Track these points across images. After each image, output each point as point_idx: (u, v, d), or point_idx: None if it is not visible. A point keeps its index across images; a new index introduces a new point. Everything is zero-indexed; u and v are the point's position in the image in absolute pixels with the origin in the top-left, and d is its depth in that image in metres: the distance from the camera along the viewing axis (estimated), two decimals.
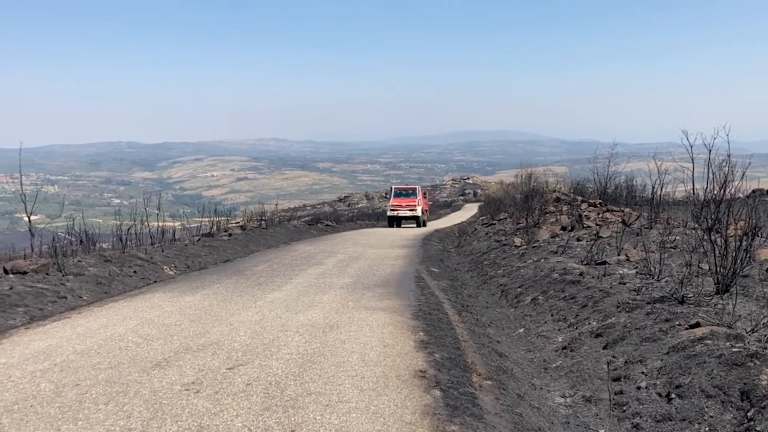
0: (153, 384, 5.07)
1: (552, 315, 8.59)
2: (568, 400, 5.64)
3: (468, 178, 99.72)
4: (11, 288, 8.76)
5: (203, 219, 20.73)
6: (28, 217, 11.84)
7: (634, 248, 11.16)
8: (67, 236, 13.44)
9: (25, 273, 9.77)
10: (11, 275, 9.69)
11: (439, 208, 59.52)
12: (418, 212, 36.53)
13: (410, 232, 29.51)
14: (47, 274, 9.97)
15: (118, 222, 14.19)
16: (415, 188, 39.12)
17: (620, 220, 15.42)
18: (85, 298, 9.37)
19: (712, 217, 8.92)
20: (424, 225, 36.74)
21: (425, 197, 40.60)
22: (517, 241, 16.16)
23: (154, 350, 6.18)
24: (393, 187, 40.26)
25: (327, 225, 30.50)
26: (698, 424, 4.47)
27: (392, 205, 37.01)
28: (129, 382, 5.13)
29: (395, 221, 36.84)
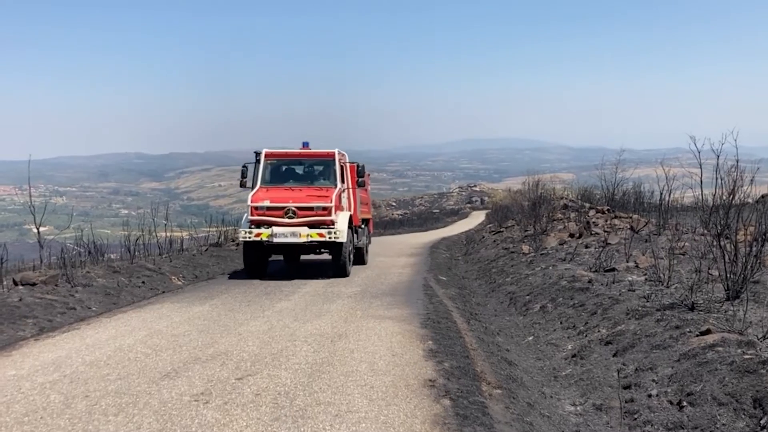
0: (162, 395, 5.07)
1: (561, 323, 8.56)
2: (578, 408, 5.60)
3: (475, 186, 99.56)
4: (21, 299, 8.79)
5: (211, 229, 20.79)
6: (37, 229, 11.89)
7: (643, 255, 11.12)
8: (75, 247, 13.49)
9: (34, 284, 9.80)
10: (20, 287, 9.73)
11: (446, 216, 59.46)
12: (339, 229, 13.12)
13: (416, 240, 29.48)
14: (56, 285, 10.00)
15: (127, 233, 14.27)
16: (331, 157, 14.49)
17: (628, 227, 15.36)
18: (93, 309, 9.40)
19: (721, 222, 8.87)
20: (360, 261, 15.85)
21: (359, 184, 15.32)
22: (525, 248, 16.12)
23: (163, 361, 6.19)
24: (264, 152, 14.40)
25: None
26: None
27: (257, 211, 13.16)
28: (138, 393, 5.14)
29: (265, 257, 13.76)
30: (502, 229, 25.05)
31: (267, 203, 12.98)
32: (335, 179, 13.98)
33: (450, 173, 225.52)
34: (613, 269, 10.45)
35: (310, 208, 12.95)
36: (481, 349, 7.13)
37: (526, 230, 19.74)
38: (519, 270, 13.71)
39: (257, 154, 14.26)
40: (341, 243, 13.04)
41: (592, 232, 15.68)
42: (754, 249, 7.43)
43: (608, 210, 19.30)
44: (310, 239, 12.77)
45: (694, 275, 8.16)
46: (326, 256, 14.12)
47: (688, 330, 6.21)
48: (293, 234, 12.74)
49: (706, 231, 10.05)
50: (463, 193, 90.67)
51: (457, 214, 62.55)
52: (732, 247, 7.66)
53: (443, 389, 5.22)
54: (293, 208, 12.88)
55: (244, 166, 14.31)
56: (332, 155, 14.32)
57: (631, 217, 17.14)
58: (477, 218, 51.15)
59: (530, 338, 8.42)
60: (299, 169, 14.68)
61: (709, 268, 8.47)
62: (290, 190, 13.60)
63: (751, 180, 9.16)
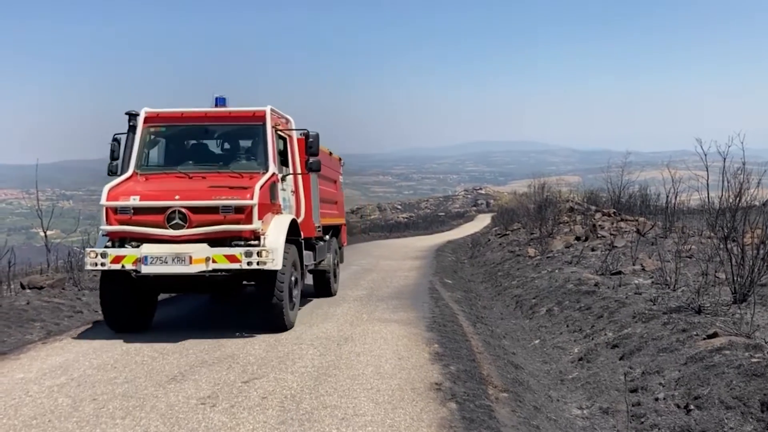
0: (169, 398, 5.09)
1: (567, 326, 8.54)
2: (585, 411, 5.59)
3: (480, 189, 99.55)
4: (28, 303, 8.84)
5: None
6: (44, 233, 11.96)
7: (649, 258, 11.09)
8: (82, 251, 13.54)
9: (41, 288, 9.86)
10: (28, 290, 9.79)
11: (451, 219, 59.42)
12: (270, 246, 7.48)
13: (422, 243, 29.47)
14: (63, 288, 10.06)
15: None
16: (259, 121, 8.51)
17: (635, 230, 15.32)
18: (100, 312, 9.42)
19: (728, 225, 8.84)
20: (324, 291, 11.00)
21: (310, 168, 8.96)
22: (531, 251, 16.10)
23: (170, 364, 6.21)
24: (143, 114, 8.58)
25: None
26: None
27: (118, 215, 7.45)
28: (145, 396, 5.16)
29: (144, 299, 8.00)
30: (507, 232, 25.03)
31: (134, 201, 7.44)
32: (266, 158, 8.27)
33: (455, 176, 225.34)
34: (620, 272, 10.42)
35: (213, 209, 7.39)
36: (488, 352, 7.13)
37: (532, 233, 19.72)
38: (525, 273, 13.69)
39: (132, 117, 8.64)
40: (273, 272, 7.49)
41: (599, 235, 15.65)
42: (761, 252, 7.41)
43: (614, 213, 19.27)
44: (211, 266, 7.19)
45: (700, 278, 8.13)
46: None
47: (695, 333, 6.20)
48: (178, 257, 7.13)
49: (712, 234, 10.01)
50: (469, 196, 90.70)
51: (463, 217, 62.53)
52: (739, 250, 7.64)
53: (449, 392, 5.22)
54: (181, 210, 7.31)
55: (114, 140, 8.61)
56: (261, 117, 8.49)
57: (637, 220, 17.10)
58: (482, 221, 51.14)
59: (536, 341, 8.41)
60: (205, 143, 9.01)
61: (715, 272, 8.44)
62: (183, 178, 8.02)
63: (758, 182, 9.14)
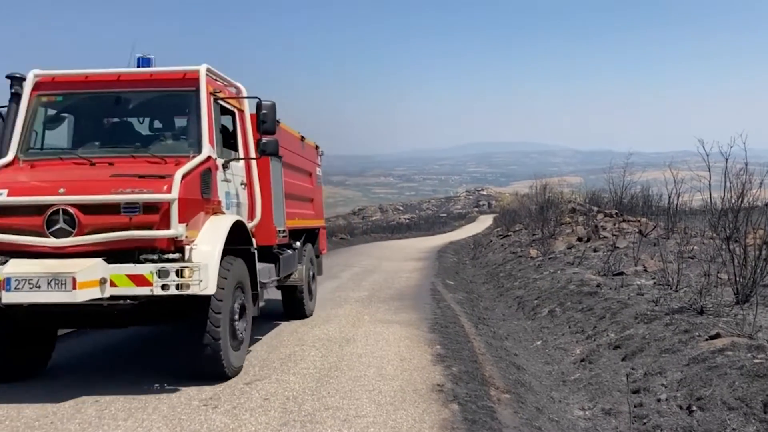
0: (171, 399, 5.09)
1: (569, 327, 8.53)
2: (587, 413, 5.59)
3: (482, 190, 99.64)
4: None
5: None
6: None
7: (652, 258, 11.08)
8: None
9: None
10: None
11: (453, 220, 59.44)
12: (197, 262, 5.15)
13: (424, 244, 29.49)
14: None
15: None
16: (191, 86, 6.08)
17: (637, 231, 15.32)
18: None
19: (731, 226, 8.84)
20: (296, 312, 8.89)
21: (264, 150, 6.42)
22: (533, 252, 16.10)
23: (173, 364, 6.20)
24: (32, 79, 6.14)
25: (341, 238, 30.60)
26: None
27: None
28: (148, 397, 5.15)
29: (27, 337, 5.69)
30: (509, 233, 25.02)
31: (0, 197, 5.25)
32: (198, 136, 5.99)
33: (457, 177, 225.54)
34: (622, 273, 10.42)
35: (113, 208, 5.26)
36: (490, 353, 7.13)
37: (534, 234, 19.72)
38: (527, 274, 13.68)
39: (15, 81, 6.25)
40: (205, 298, 5.35)
41: (601, 236, 15.64)
42: (763, 252, 7.40)
43: (616, 213, 19.25)
44: (109, 292, 5.07)
45: (703, 279, 8.13)
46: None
47: (697, 334, 6.19)
48: (55, 280, 4.89)
49: (714, 234, 10.01)
50: (471, 197, 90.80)
51: (465, 218, 62.57)
52: (741, 250, 7.63)
53: (451, 394, 5.22)
54: (68, 209, 5.16)
55: None
56: (193, 79, 6.18)
57: (639, 221, 17.10)
58: (484, 222, 51.15)
59: (538, 343, 8.40)
60: (118, 118, 6.67)
61: (718, 272, 8.43)
62: (83, 164, 5.82)
63: (761, 183, 9.14)
